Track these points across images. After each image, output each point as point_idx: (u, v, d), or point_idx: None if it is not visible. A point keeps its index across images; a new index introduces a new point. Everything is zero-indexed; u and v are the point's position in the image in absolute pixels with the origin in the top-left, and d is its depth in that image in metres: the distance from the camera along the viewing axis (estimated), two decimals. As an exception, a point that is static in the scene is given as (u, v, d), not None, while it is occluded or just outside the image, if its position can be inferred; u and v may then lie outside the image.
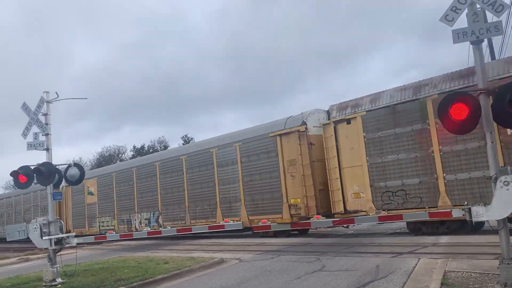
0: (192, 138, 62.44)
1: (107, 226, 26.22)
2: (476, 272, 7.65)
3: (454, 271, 7.93)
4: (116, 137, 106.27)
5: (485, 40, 6.39)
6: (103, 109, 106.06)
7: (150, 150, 62.35)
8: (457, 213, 6.61)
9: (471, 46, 6.52)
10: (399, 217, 9.68)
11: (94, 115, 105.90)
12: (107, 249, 21.09)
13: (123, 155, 70.79)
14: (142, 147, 65.86)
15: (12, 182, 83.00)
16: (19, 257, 20.06)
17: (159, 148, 65.28)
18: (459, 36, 6.33)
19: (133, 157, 59.58)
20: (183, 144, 57.88)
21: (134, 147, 66.97)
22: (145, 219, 23.87)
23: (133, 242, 23.12)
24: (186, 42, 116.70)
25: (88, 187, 28.51)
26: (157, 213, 23.39)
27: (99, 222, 27.32)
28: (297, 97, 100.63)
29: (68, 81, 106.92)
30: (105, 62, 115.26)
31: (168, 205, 23.03)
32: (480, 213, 6.09)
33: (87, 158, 70.66)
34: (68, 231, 24.35)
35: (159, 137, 75.67)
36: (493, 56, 23.97)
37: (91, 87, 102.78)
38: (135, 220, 23.64)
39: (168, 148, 59.93)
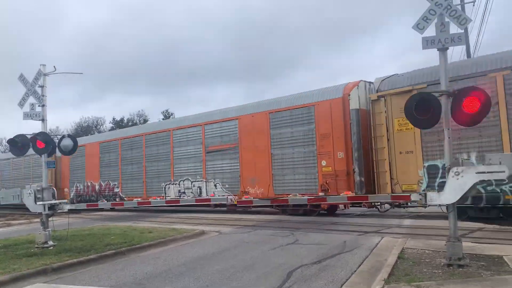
0: (172, 114, 62.67)
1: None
2: (429, 250, 8.75)
3: (411, 248, 9.01)
4: (99, 106, 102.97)
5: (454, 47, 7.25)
6: (90, 75, 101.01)
7: (130, 124, 62.27)
8: (415, 197, 7.61)
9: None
10: (365, 198, 10.72)
11: (80, 81, 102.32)
12: (88, 218, 21.71)
13: (102, 126, 70.44)
14: (122, 119, 65.71)
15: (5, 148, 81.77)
16: (1, 222, 20.54)
17: (138, 121, 65.22)
18: (427, 43, 7.22)
19: (112, 129, 59.47)
20: (163, 119, 58.06)
21: (114, 119, 66.72)
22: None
23: (114, 213, 23.83)
24: (190, 6, 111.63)
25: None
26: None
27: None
28: (295, 75, 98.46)
29: (60, 42, 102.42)
30: (101, 24, 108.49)
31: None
32: (434, 198, 7.10)
33: (65, 128, 69.78)
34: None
35: (139, 111, 75.46)
36: (468, 55, 25.28)
37: (83, 51, 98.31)
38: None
39: (148, 122, 60.06)
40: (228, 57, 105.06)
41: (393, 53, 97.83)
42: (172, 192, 22.18)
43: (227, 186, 19.89)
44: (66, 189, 29.13)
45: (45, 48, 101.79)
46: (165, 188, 22.60)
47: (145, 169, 23.93)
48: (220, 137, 20.37)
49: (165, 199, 20.34)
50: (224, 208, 21.40)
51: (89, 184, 27.59)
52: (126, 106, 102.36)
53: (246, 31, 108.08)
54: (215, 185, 20.19)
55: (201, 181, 20.86)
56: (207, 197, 18.21)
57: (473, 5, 26.11)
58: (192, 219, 18.50)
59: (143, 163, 24.07)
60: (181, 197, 21.13)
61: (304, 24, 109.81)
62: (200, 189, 20.80)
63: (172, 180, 22.35)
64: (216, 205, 20.70)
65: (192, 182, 21.22)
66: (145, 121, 63.99)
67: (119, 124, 63.20)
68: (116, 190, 25.67)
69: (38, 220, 20.17)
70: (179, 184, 21.87)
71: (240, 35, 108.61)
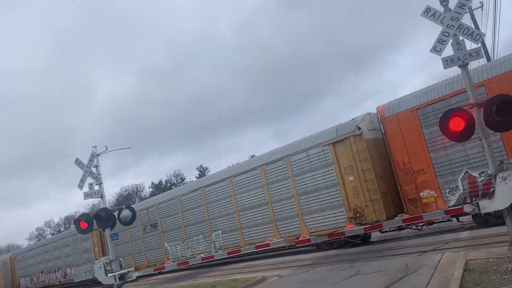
0: (207, 168, 63.94)
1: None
2: (493, 258, 8.79)
3: (475, 259, 9.06)
4: (136, 172, 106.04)
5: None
6: (125, 142, 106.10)
7: (168, 185, 63.75)
8: (468, 208, 7.81)
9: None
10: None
11: (116, 151, 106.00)
12: (148, 283, 22.22)
13: (142, 192, 72.35)
14: (160, 182, 67.30)
15: (35, 233, 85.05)
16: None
17: (175, 182, 66.73)
18: (448, 62, 7.69)
19: (152, 194, 60.97)
20: (199, 176, 59.24)
21: (152, 183, 68.41)
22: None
23: (171, 275, 24.28)
24: (213, 59, 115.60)
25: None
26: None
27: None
28: (320, 107, 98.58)
29: (93, 116, 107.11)
30: (130, 90, 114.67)
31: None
32: (486, 206, 7.31)
33: (107, 200, 71.84)
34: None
35: (175, 171, 77.19)
36: (488, 59, 25.43)
37: (115, 120, 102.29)
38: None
39: (185, 181, 61.38)
40: (254, 100, 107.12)
41: (418, 65, 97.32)
42: None
43: None
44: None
45: (80, 124, 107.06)
46: None
47: None
48: None
49: None
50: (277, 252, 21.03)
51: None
52: (162, 166, 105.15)
53: (269, 71, 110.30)
54: None
55: None
56: None
57: (482, 10, 26.47)
58: (247, 267, 18.72)
59: None
60: None
61: (325, 52, 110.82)
62: None
63: None
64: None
65: None
66: (182, 179, 65.38)
67: (158, 187, 64.75)
68: None
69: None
70: None
71: (264, 76, 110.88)
